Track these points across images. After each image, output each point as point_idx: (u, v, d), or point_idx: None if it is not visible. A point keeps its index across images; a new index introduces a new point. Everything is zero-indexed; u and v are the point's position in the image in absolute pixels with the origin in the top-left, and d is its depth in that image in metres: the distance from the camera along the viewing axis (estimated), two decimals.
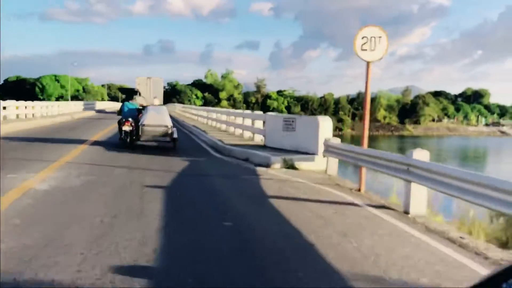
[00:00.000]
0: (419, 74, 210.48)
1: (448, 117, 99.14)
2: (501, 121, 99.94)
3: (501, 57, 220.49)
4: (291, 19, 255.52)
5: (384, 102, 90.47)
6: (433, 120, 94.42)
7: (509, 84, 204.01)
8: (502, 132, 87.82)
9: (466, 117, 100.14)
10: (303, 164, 10.07)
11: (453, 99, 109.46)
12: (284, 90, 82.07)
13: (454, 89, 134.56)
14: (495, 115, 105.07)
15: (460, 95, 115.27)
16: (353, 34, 7.91)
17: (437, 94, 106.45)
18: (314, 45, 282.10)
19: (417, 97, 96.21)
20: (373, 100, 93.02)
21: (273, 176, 8.80)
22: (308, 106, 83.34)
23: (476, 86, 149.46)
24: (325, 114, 75.91)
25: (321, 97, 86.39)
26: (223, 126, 20.42)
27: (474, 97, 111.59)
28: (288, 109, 79.20)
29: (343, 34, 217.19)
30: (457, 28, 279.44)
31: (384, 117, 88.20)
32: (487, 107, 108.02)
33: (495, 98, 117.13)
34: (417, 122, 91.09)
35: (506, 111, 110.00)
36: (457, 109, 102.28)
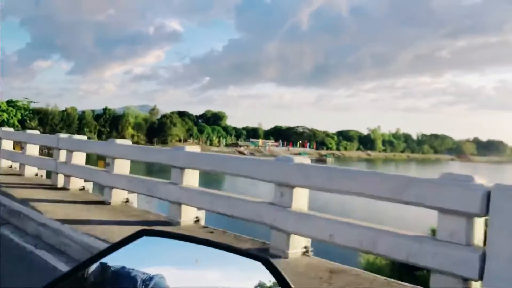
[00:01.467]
0: (154, 94, 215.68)
1: (192, 137, 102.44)
2: (239, 142, 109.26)
3: (225, 84, 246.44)
4: (16, 23, 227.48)
5: (132, 120, 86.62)
6: (180, 140, 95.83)
7: (232, 109, 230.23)
8: (240, 152, 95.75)
9: (208, 137, 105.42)
10: None
11: (195, 120, 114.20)
12: (17, 101, 69.52)
13: (192, 111, 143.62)
14: (233, 136, 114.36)
15: (201, 116, 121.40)
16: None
17: (181, 115, 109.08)
18: (45, 55, 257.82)
19: (164, 116, 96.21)
20: (121, 117, 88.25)
21: None
22: (48, 120, 72.87)
23: (203, 109, 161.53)
24: (68, 130, 67.30)
25: (63, 111, 76.92)
26: None
27: (213, 119, 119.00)
28: (22, 123, 67.15)
29: (77, 47, 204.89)
30: (188, 54, 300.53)
31: (132, 136, 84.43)
32: (225, 129, 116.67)
33: (230, 120, 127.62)
34: (164, 141, 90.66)
35: (241, 133, 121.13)
36: (200, 130, 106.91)
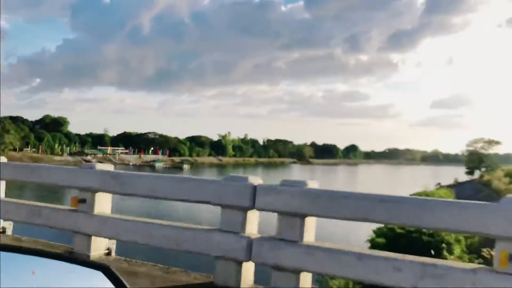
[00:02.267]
0: None
1: (30, 146, 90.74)
2: (85, 150, 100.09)
3: (59, 86, 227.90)
4: None
5: None
6: (15, 149, 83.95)
7: (67, 113, 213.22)
8: (87, 161, 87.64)
9: (49, 145, 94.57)
10: None
11: (31, 126, 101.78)
12: None
13: (26, 115, 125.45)
14: (77, 144, 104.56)
15: (38, 122, 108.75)
16: None
17: (14, 120, 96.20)
18: None
19: None
20: None
21: None
22: None
23: (36, 114, 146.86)
24: None
25: None
26: None
27: (53, 125, 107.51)
28: None
29: None
30: (15, 53, 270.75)
31: None
32: (68, 136, 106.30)
33: (74, 127, 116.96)
34: None
35: (86, 140, 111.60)
36: (39, 138, 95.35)
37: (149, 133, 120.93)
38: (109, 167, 4.87)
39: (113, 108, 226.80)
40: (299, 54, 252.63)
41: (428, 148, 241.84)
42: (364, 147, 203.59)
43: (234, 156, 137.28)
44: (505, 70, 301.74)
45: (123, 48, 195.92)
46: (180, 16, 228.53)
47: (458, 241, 11.61)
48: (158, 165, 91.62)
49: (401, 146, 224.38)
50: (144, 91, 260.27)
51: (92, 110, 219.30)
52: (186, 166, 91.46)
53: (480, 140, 59.30)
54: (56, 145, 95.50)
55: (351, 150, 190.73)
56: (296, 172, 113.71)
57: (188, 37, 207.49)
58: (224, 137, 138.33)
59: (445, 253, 11.03)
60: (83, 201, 4.76)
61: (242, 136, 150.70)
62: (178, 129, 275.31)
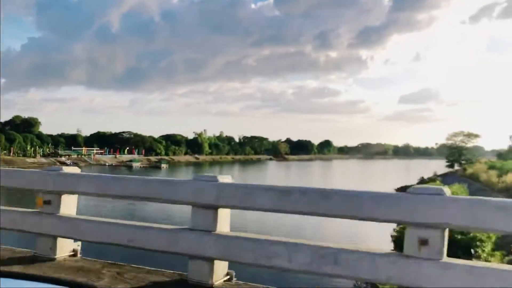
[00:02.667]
0: None
1: (0, 147, 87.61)
2: (59, 151, 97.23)
3: (25, 86, 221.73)
4: None
5: None
6: None
7: (35, 113, 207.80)
8: (61, 163, 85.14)
9: (21, 147, 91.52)
10: None
11: (0, 128, 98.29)
12: None
13: None
14: (50, 145, 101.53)
15: (8, 123, 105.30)
16: None
17: None
18: None
19: None
20: None
21: None
22: None
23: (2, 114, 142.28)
24: None
25: None
26: None
27: (24, 126, 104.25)
28: None
29: None
30: None
31: None
32: (39, 137, 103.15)
33: (44, 128, 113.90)
34: None
35: (58, 141, 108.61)
36: (10, 139, 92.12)
37: (123, 132, 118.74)
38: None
39: (83, 107, 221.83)
40: (270, 51, 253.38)
41: (399, 142, 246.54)
42: (336, 142, 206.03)
43: (211, 154, 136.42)
44: (469, 65, 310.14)
45: (91, 46, 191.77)
46: (150, 14, 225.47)
47: (489, 237, 11.65)
48: (135, 165, 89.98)
49: (371, 141, 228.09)
50: (114, 90, 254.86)
51: (61, 110, 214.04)
52: (164, 166, 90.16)
53: (460, 134, 60.50)
54: (28, 147, 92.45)
55: (325, 145, 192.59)
56: (272, 168, 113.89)
57: (158, 35, 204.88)
58: (200, 135, 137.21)
59: (478, 250, 11.06)
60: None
61: (217, 134, 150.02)
62: (150, 127, 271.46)
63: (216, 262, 3.78)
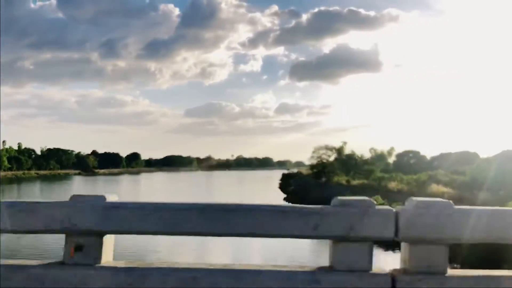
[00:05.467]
0: None
1: None
2: None
3: None
4: None
5: None
6: None
7: None
8: None
9: None
10: None
11: None
12: None
13: None
14: None
15: None
16: None
17: None
18: None
19: None
20: None
21: None
22: None
23: None
24: None
25: None
26: None
27: None
28: None
29: None
30: None
31: None
32: None
33: None
34: None
35: None
36: None
37: None
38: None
39: None
40: (51, 56, 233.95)
41: (200, 154, 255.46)
42: (124, 154, 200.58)
43: (10, 169, 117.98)
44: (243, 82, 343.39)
45: None
46: None
47: None
48: None
49: (161, 153, 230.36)
50: None
51: None
52: None
53: (323, 147, 67.55)
54: None
55: (133, 158, 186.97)
56: (79, 184, 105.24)
57: None
58: None
59: None
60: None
61: (14, 146, 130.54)
62: None
63: None
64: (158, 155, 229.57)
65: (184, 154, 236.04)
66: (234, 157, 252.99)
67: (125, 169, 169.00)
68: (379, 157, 69.01)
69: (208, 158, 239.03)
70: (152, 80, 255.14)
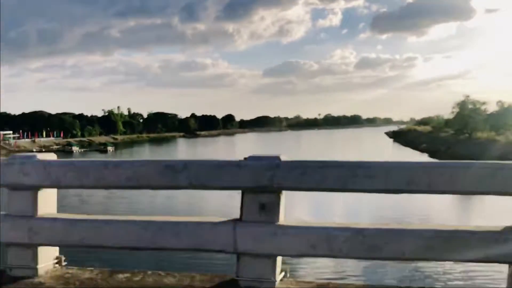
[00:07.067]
0: None
1: None
2: None
3: None
4: None
5: None
6: None
7: None
8: None
9: None
10: None
11: None
12: None
13: None
14: None
15: None
16: None
17: None
18: None
19: None
20: None
21: None
22: None
23: None
24: None
25: None
26: None
27: None
28: None
29: None
30: None
31: None
32: None
33: None
34: None
35: None
36: None
37: (36, 112, 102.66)
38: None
39: None
40: (135, 22, 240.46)
41: (281, 114, 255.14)
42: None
43: (125, 133, 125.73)
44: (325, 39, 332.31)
45: None
46: None
47: None
48: (76, 149, 78.83)
49: (240, 114, 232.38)
50: None
51: None
52: (110, 148, 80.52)
53: (463, 102, 64.67)
54: None
55: (228, 120, 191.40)
56: (183, 145, 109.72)
57: (4, 2, 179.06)
58: (112, 112, 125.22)
59: None
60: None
61: (125, 112, 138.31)
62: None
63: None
64: (242, 116, 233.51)
65: (271, 115, 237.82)
66: (322, 116, 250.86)
67: (222, 131, 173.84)
68: (507, 110, 64.56)
69: (297, 118, 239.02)
70: (230, 41, 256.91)
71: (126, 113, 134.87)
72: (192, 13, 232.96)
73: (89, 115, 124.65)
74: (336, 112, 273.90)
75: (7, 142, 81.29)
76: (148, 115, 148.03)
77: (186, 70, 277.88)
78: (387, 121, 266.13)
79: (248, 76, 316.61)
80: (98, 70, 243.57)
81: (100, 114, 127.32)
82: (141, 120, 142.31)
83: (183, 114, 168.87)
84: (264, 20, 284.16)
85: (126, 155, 75.76)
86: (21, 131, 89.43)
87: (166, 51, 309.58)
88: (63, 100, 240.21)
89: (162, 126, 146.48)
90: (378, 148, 76.24)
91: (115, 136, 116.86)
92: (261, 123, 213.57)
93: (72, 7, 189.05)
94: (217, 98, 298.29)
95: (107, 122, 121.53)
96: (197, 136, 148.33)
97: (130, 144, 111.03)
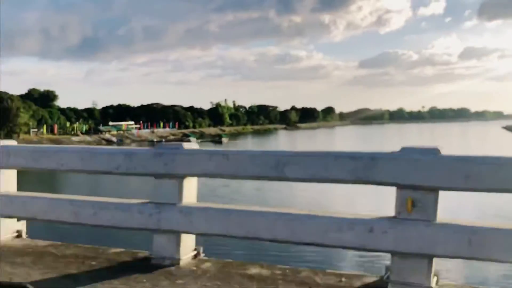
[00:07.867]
0: None
1: (45, 125, 77.96)
2: (101, 127, 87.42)
3: None
4: None
5: None
6: (28, 131, 71.48)
7: None
8: (107, 140, 76.64)
9: (61, 124, 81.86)
10: None
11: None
12: None
13: None
14: (81, 120, 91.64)
15: (25, 96, 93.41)
16: None
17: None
18: None
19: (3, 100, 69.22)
20: None
21: None
22: None
23: None
24: None
25: None
26: None
27: (42, 100, 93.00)
28: None
29: None
30: None
31: None
32: (63, 112, 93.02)
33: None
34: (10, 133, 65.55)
35: (80, 115, 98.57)
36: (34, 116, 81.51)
37: (152, 104, 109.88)
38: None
39: (34, 80, 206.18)
40: (233, 17, 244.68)
41: (386, 106, 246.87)
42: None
43: (231, 124, 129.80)
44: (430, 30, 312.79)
45: (43, 15, 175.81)
46: None
47: None
48: (193, 140, 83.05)
49: (337, 106, 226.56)
50: (68, 60, 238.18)
51: (9, 83, 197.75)
52: (225, 139, 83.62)
53: None
54: (68, 123, 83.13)
55: (327, 112, 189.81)
56: (301, 136, 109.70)
57: (115, 1, 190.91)
58: (220, 105, 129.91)
59: None
60: None
61: (230, 104, 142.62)
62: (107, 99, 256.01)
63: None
64: (341, 108, 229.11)
65: (371, 107, 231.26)
66: (426, 109, 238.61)
67: (322, 123, 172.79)
68: None
69: (400, 110, 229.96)
70: (326, 33, 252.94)
71: (231, 105, 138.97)
72: (288, 5, 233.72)
73: (198, 107, 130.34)
74: (441, 105, 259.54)
75: (130, 132, 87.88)
76: (250, 107, 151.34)
77: (280, 62, 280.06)
78: (498, 115, 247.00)
79: (342, 68, 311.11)
80: (197, 64, 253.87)
81: (204, 106, 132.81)
82: (245, 112, 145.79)
83: (280, 106, 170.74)
84: (361, 10, 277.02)
85: (238, 146, 78.16)
86: (141, 122, 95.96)
87: (261, 44, 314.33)
88: (169, 92, 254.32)
89: (264, 118, 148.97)
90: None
91: (223, 128, 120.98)
92: (362, 115, 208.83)
93: (174, 3, 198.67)
94: (311, 90, 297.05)
95: (215, 114, 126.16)
96: (297, 128, 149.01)
97: (236, 135, 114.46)
